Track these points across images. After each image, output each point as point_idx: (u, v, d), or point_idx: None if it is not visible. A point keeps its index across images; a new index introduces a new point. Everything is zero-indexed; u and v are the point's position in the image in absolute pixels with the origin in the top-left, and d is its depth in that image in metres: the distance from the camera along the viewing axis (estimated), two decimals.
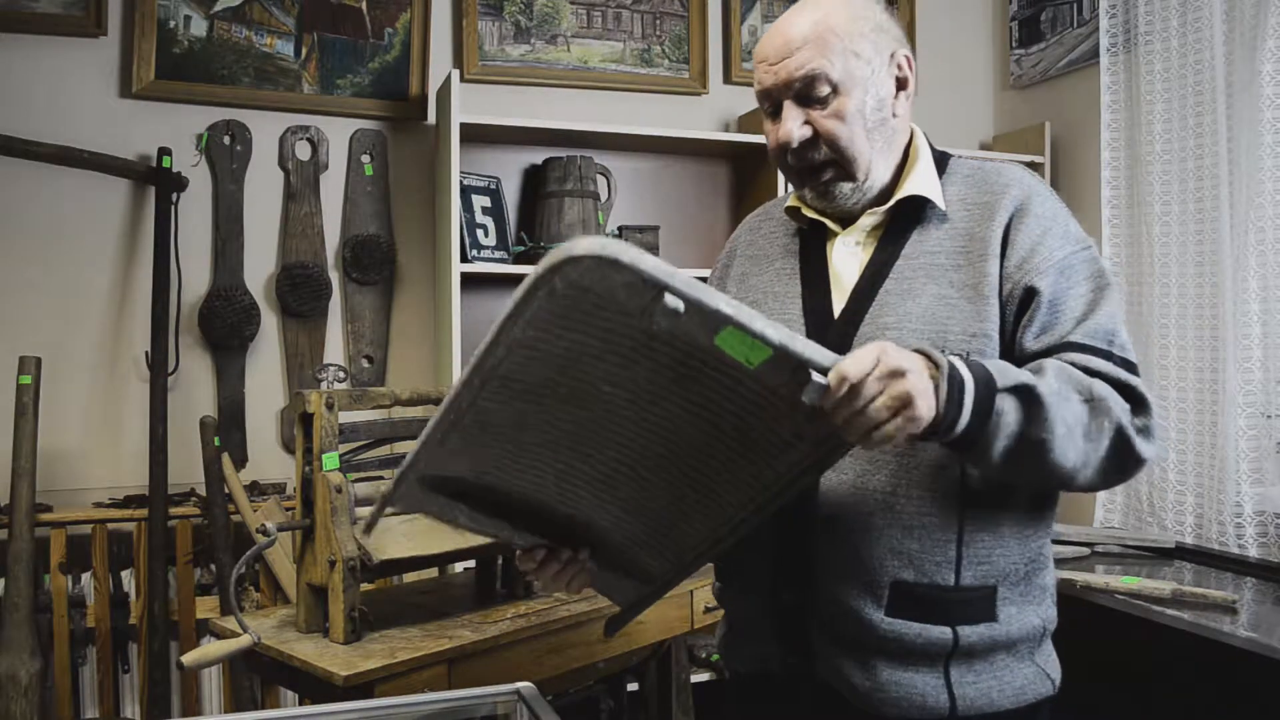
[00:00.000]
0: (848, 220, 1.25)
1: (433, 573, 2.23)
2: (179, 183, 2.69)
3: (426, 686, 1.52)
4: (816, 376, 0.88)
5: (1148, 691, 1.86)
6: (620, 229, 2.97)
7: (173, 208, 2.65)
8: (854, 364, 0.89)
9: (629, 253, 0.79)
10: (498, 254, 2.85)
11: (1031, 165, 3.26)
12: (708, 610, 2.00)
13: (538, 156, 2.98)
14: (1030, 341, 1.13)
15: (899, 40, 1.22)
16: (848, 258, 1.24)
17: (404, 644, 1.58)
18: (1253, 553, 2.39)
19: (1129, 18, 2.81)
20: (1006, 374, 1.01)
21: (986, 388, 0.98)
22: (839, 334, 1.19)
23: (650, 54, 3.17)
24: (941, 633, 1.14)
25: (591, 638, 1.80)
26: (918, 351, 0.97)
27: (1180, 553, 2.42)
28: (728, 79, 3.22)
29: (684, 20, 3.20)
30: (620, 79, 3.14)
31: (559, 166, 2.87)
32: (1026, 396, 1.00)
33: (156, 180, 2.65)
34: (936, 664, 1.15)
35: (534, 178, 2.99)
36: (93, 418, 2.67)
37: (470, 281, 2.81)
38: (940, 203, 1.21)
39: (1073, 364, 1.09)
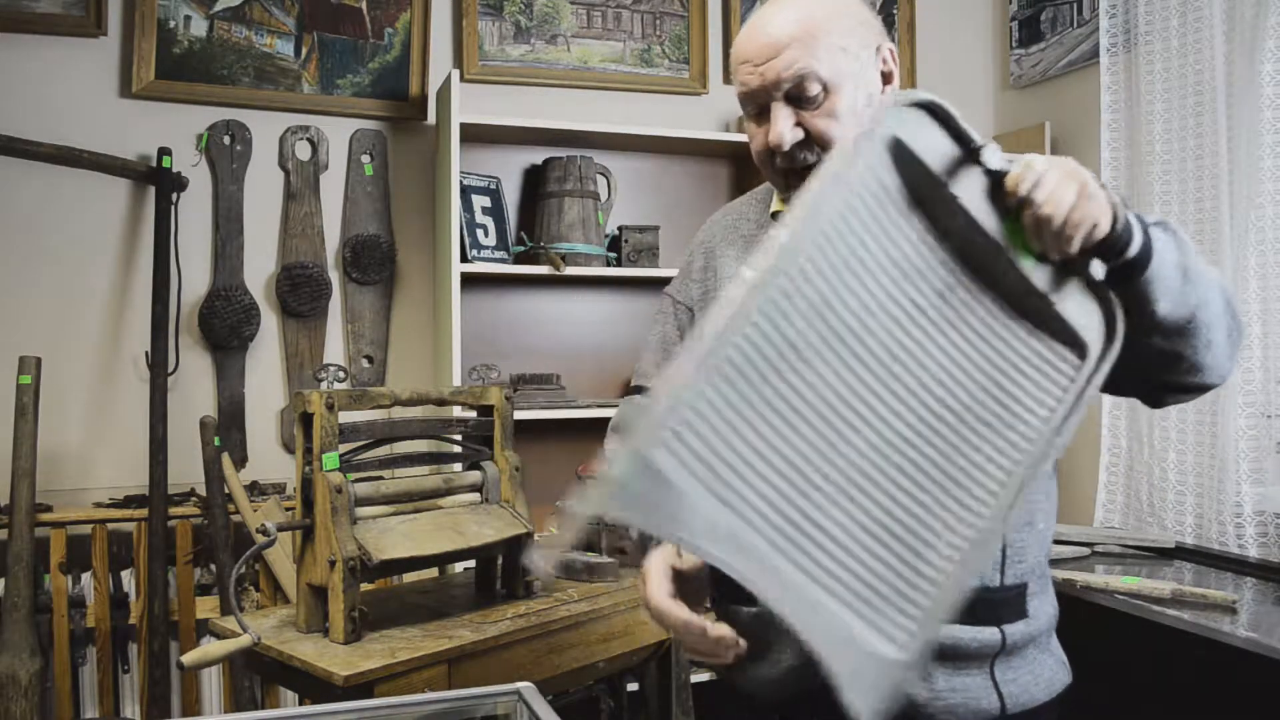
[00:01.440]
0: None
1: (433, 573, 2.23)
2: (179, 183, 2.69)
3: (426, 686, 1.52)
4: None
5: (1148, 691, 1.86)
6: (620, 229, 2.97)
7: (173, 208, 2.65)
8: (1038, 160, 0.90)
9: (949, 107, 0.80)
10: (498, 254, 2.85)
11: None
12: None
13: (538, 156, 2.99)
14: None
15: (881, 33, 1.20)
16: None
17: (404, 644, 1.58)
18: (1253, 553, 2.39)
19: (1129, 18, 2.81)
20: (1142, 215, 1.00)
21: (1138, 218, 0.97)
22: None
23: (650, 54, 3.17)
24: (991, 634, 1.15)
25: (591, 638, 1.80)
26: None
27: (1180, 553, 2.41)
28: (728, 79, 3.22)
29: (684, 20, 3.20)
30: (620, 79, 3.14)
31: (559, 166, 2.87)
32: (1172, 231, 1.01)
33: (156, 180, 2.65)
34: (984, 665, 1.16)
35: (534, 178, 2.99)
36: (93, 418, 2.67)
37: (470, 281, 2.81)
38: None
39: None
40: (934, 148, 0.88)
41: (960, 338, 0.88)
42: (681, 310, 1.38)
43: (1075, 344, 0.93)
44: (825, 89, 1.14)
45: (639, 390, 1.41)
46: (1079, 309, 0.93)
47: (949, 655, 1.15)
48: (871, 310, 0.84)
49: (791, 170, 1.19)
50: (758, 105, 1.19)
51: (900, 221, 0.86)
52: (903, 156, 0.86)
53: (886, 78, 1.20)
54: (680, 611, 1.11)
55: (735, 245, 1.34)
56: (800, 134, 1.16)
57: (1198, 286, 1.00)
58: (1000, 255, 0.90)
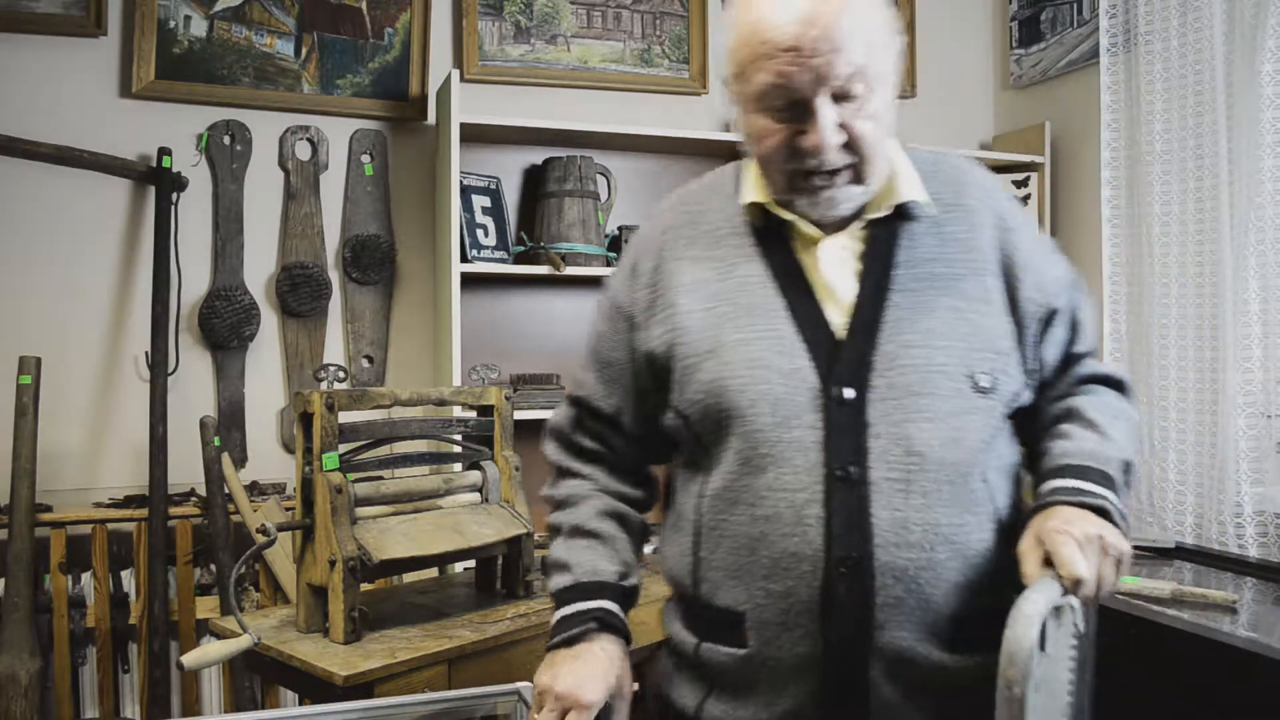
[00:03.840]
0: (822, 224, 1.15)
1: (433, 573, 2.23)
2: (179, 183, 2.69)
3: (426, 686, 1.52)
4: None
5: (1148, 691, 1.85)
6: (620, 229, 2.97)
7: (173, 208, 2.65)
8: (1082, 566, 0.98)
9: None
10: (498, 254, 2.85)
11: (1031, 165, 3.26)
12: None
13: (538, 156, 2.98)
14: (1050, 354, 1.20)
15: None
16: (839, 265, 1.14)
17: (404, 644, 1.58)
18: (1253, 553, 2.39)
19: (1129, 18, 2.81)
20: (1106, 460, 1.11)
21: (1118, 492, 1.09)
22: (855, 353, 1.10)
23: (650, 54, 3.17)
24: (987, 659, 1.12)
25: None
26: (1078, 506, 1.05)
27: (1180, 553, 2.41)
28: None
29: (684, 20, 3.20)
30: (620, 79, 3.14)
31: (559, 166, 2.87)
32: (1128, 470, 1.13)
33: (156, 180, 2.65)
34: (990, 692, 1.11)
35: (534, 178, 2.99)
36: (93, 418, 2.67)
37: (470, 281, 2.81)
38: (932, 206, 1.16)
39: (1088, 375, 1.22)
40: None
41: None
42: (619, 318, 1.25)
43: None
44: (868, 87, 1.06)
45: (575, 401, 1.32)
46: None
47: (960, 684, 1.11)
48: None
49: (811, 173, 1.10)
50: (789, 100, 1.06)
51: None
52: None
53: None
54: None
55: (696, 245, 1.21)
56: (843, 137, 1.07)
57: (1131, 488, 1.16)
58: None
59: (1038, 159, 3.24)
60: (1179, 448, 2.62)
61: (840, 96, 1.06)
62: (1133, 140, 2.80)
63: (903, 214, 1.15)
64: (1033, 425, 1.21)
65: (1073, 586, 0.97)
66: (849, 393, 1.08)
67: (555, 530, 1.28)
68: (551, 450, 1.35)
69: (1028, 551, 1.03)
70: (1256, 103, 2.42)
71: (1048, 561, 1.00)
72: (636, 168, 3.13)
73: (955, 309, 1.12)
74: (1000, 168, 3.33)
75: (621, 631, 1.19)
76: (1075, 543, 0.99)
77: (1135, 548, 2.45)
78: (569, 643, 1.16)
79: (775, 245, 1.17)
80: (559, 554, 1.24)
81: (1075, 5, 3.16)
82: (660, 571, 1.30)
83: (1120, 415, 1.18)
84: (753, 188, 1.18)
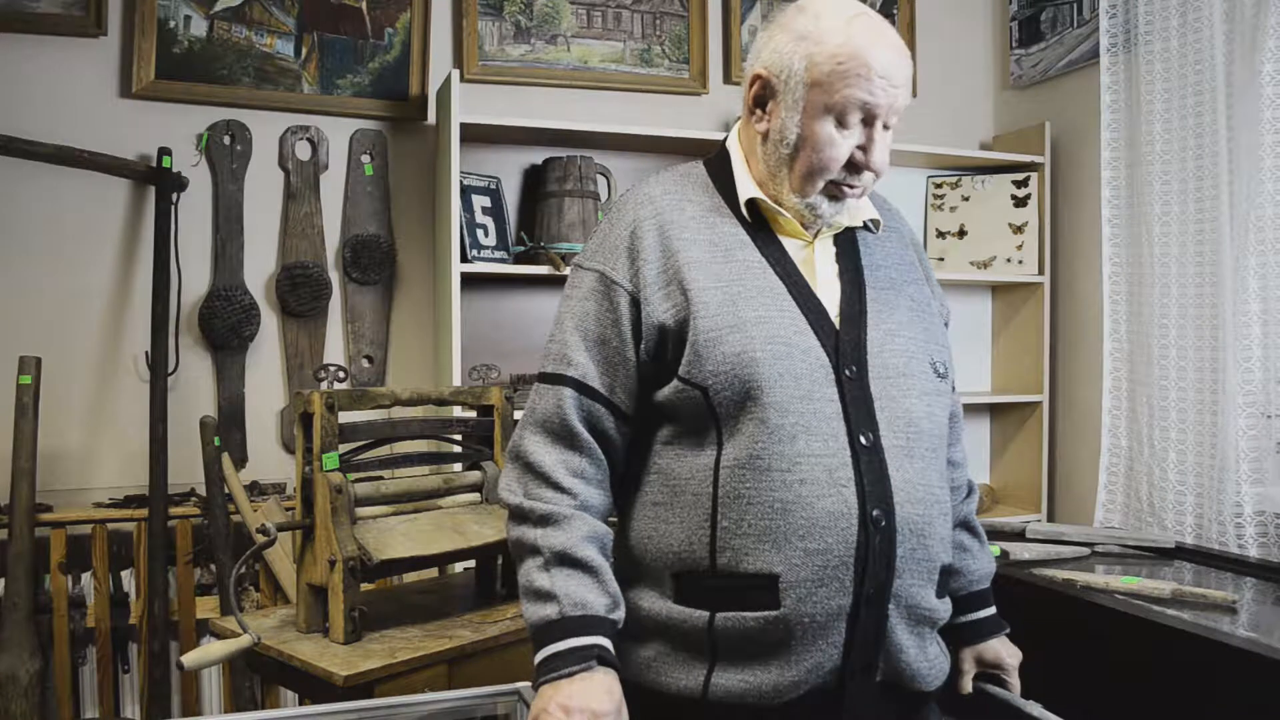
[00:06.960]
0: (805, 225, 1.31)
1: (433, 573, 2.23)
2: (179, 183, 2.69)
3: (426, 686, 1.52)
4: None
5: (1148, 691, 1.86)
6: None
7: (173, 208, 2.65)
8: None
9: None
10: (498, 254, 2.85)
11: (1031, 165, 3.26)
12: None
13: (538, 156, 2.99)
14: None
15: None
16: (829, 261, 1.30)
17: (404, 644, 1.58)
18: (1253, 553, 2.39)
19: (1129, 18, 2.81)
20: (991, 577, 1.46)
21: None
22: (852, 337, 1.25)
23: (650, 54, 3.17)
24: (947, 605, 1.31)
25: None
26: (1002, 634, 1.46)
27: (1180, 553, 2.41)
28: (728, 79, 3.22)
29: (684, 20, 3.20)
30: (620, 79, 3.14)
31: (559, 166, 2.87)
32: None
33: (156, 180, 2.65)
34: (935, 634, 1.31)
35: (534, 178, 2.99)
36: (93, 418, 2.67)
37: (470, 281, 2.81)
38: (883, 221, 1.36)
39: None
40: None
41: None
42: (617, 294, 1.24)
43: None
44: (898, 122, 1.26)
45: (563, 380, 1.24)
46: None
47: (929, 624, 1.27)
48: None
49: (847, 186, 1.26)
50: (863, 116, 1.22)
51: None
52: None
53: None
54: None
55: (688, 228, 1.27)
56: None
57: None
58: None
59: (1038, 159, 3.24)
60: (1179, 448, 2.62)
61: (886, 125, 1.24)
62: (1133, 140, 2.80)
63: (860, 226, 1.35)
64: None
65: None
66: (854, 370, 1.22)
67: (532, 550, 1.20)
68: (536, 446, 1.24)
69: (970, 669, 1.43)
70: (1256, 103, 2.42)
71: (989, 676, 1.44)
72: (636, 168, 3.12)
73: (911, 308, 1.32)
74: (1000, 168, 3.33)
75: (617, 670, 1.17)
76: (1016, 671, 1.43)
77: (1135, 548, 2.46)
78: (568, 676, 1.13)
79: (766, 238, 1.29)
80: (541, 582, 1.18)
81: (1075, 5, 3.16)
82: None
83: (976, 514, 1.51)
84: (750, 184, 1.30)
